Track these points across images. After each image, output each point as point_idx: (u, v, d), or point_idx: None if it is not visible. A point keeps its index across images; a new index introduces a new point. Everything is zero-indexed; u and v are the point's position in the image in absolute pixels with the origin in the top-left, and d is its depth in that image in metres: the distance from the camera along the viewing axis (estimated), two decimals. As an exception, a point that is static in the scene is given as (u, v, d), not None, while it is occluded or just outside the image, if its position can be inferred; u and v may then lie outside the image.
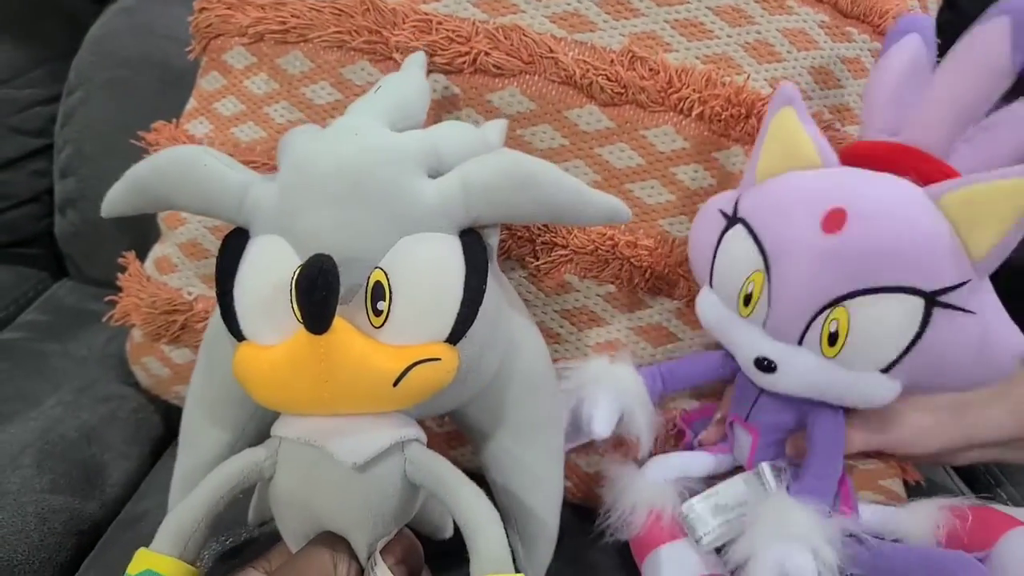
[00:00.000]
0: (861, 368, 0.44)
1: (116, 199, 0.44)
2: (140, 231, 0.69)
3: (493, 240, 0.45)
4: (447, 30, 0.55)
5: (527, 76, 0.55)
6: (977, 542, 0.47)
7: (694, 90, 0.55)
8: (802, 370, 0.46)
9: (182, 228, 0.61)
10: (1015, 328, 0.42)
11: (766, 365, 0.47)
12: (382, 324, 0.38)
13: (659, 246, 0.55)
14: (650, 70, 0.55)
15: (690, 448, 0.56)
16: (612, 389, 0.52)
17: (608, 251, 0.55)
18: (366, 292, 0.38)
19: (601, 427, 0.51)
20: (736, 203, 0.50)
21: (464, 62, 0.55)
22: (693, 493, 0.51)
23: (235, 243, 0.42)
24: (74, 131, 0.82)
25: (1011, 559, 0.45)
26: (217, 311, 0.43)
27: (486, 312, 0.41)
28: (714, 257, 0.50)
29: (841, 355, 0.44)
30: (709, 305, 0.51)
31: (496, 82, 0.55)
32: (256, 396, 0.40)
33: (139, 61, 0.79)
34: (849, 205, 0.43)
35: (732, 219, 0.49)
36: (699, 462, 0.54)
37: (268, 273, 0.40)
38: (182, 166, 0.42)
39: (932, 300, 0.41)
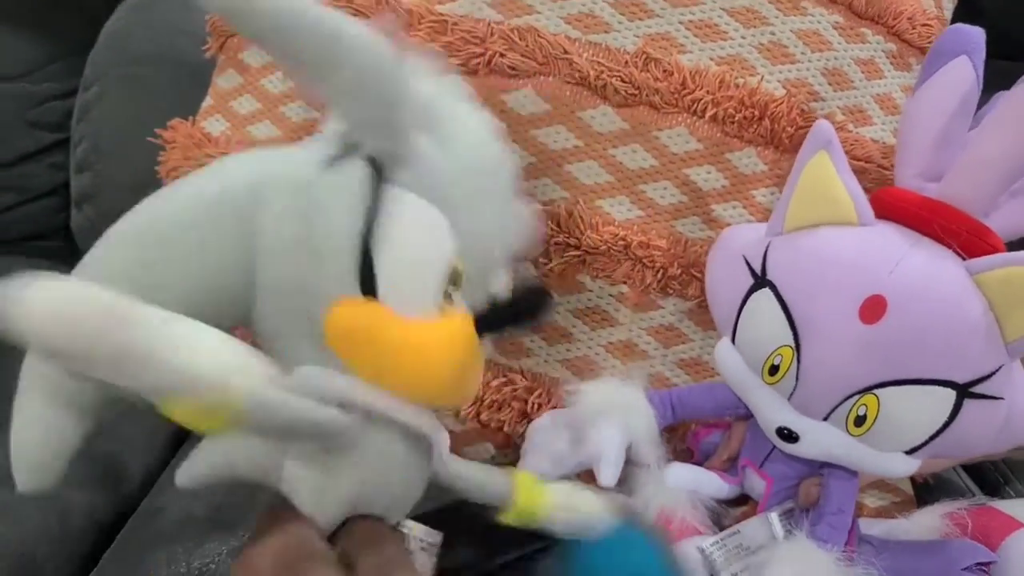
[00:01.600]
0: (886, 449, 0.44)
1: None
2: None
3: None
4: (462, 31, 0.55)
5: (542, 77, 0.55)
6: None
7: (707, 92, 0.55)
8: (825, 444, 0.46)
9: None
10: None
11: (787, 434, 0.47)
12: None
13: (672, 247, 0.56)
14: (664, 71, 0.55)
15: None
16: (620, 425, 0.51)
17: (621, 251, 0.56)
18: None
19: (608, 478, 0.50)
20: (764, 257, 0.48)
21: (479, 63, 0.55)
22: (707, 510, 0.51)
23: (376, 182, 0.36)
24: (90, 126, 0.82)
25: (1016, 562, 0.46)
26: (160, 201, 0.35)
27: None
28: (738, 314, 0.49)
29: (867, 436, 0.44)
30: (731, 362, 0.50)
31: (511, 83, 0.55)
32: (374, 364, 0.35)
33: (155, 57, 0.80)
34: (889, 294, 0.42)
35: (760, 279, 0.48)
36: (713, 484, 0.54)
37: (427, 241, 0.36)
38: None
39: (965, 392, 0.41)
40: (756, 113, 0.55)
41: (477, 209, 0.38)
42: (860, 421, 0.43)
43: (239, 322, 0.37)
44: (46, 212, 0.87)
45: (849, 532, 0.48)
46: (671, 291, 0.57)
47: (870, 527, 0.52)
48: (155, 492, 0.60)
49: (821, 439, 0.46)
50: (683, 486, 0.52)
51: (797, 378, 0.45)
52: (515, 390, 0.58)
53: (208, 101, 0.64)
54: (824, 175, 0.45)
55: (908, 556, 0.48)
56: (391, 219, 0.35)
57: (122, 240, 0.34)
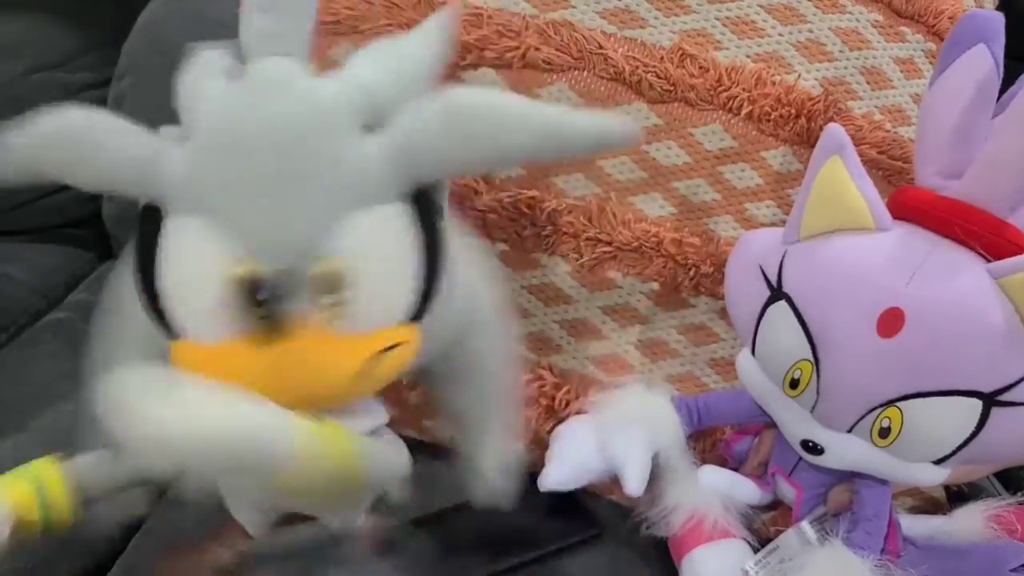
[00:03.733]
0: (913, 460, 0.43)
1: None
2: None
3: (443, 197, 0.40)
4: (497, 24, 0.55)
5: (576, 72, 0.55)
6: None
7: (744, 89, 0.54)
8: (850, 455, 0.45)
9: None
10: None
11: (812, 447, 0.46)
12: (334, 316, 0.34)
13: (704, 245, 0.55)
14: (700, 68, 0.54)
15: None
16: (647, 434, 0.51)
17: (653, 248, 0.55)
18: (314, 283, 0.34)
19: (635, 487, 0.50)
20: (780, 267, 0.47)
21: (514, 56, 0.55)
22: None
23: (150, 223, 0.35)
24: (123, 116, 0.82)
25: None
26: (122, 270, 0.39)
27: (445, 281, 0.37)
28: (756, 325, 0.48)
29: (893, 447, 0.43)
30: (752, 374, 0.49)
31: (545, 77, 0.55)
32: None
33: (189, 48, 0.80)
34: (907, 305, 0.41)
35: (776, 291, 0.47)
36: (746, 489, 0.53)
37: (194, 264, 0.35)
38: (74, 135, 0.35)
39: (991, 400, 0.40)
40: (792, 111, 0.54)
41: (242, 198, 0.34)
42: (885, 433, 0.43)
43: None
44: (77, 201, 0.88)
45: (888, 536, 0.47)
46: (703, 290, 0.57)
47: (912, 527, 0.51)
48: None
49: (846, 451, 0.45)
50: (716, 489, 0.52)
51: (818, 392, 0.44)
52: (543, 387, 0.57)
53: (241, 92, 0.64)
54: (838, 180, 0.44)
55: (953, 558, 0.48)
56: (164, 255, 0.35)
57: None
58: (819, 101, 0.54)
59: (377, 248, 0.36)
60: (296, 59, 0.37)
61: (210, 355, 0.34)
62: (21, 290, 0.79)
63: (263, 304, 0.32)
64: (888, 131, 0.57)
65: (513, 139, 0.35)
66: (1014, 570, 0.48)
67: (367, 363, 0.35)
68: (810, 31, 0.55)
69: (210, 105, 0.36)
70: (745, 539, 0.51)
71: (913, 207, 0.44)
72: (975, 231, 0.41)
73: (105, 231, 0.87)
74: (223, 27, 0.76)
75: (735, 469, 0.55)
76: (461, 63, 0.55)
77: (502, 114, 0.35)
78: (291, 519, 0.39)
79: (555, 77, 0.55)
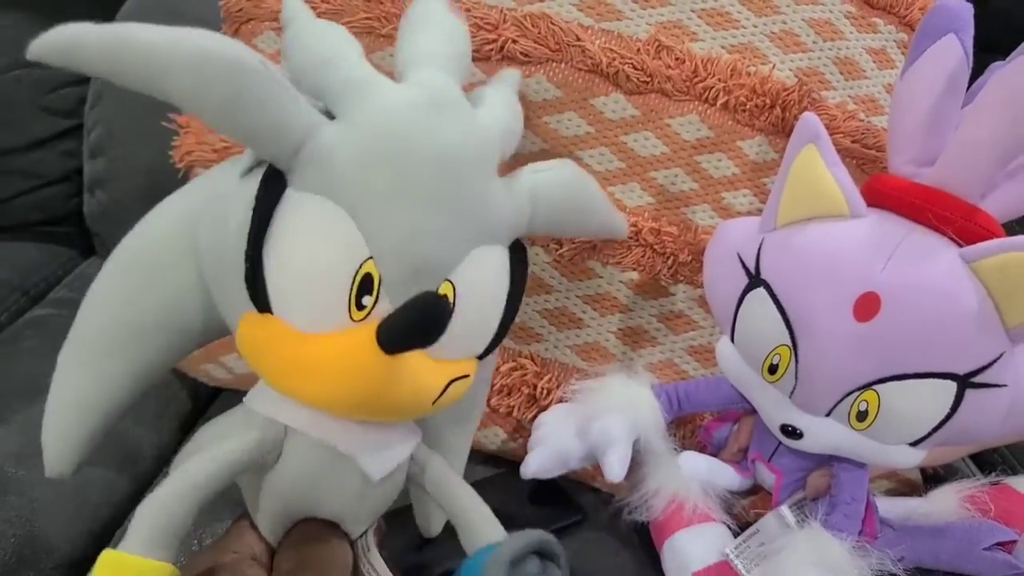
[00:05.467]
0: (889, 442, 0.44)
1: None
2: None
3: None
4: (475, 17, 0.55)
5: (554, 64, 0.55)
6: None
7: (719, 79, 0.55)
8: (829, 439, 0.46)
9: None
10: None
11: (791, 431, 0.47)
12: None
13: (682, 234, 0.56)
14: (676, 59, 0.55)
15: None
16: (628, 421, 0.52)
17: (632, 238, 0.56)
18: None
19: (615, 473, 0.50)
20: (758, 255, 0.47)
21: (492, 49, 0.55)
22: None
23: (271, 190, 0.33)
24: (104, 112, 0.82)
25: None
26: (146, 222, 0.37)
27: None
28: (735, 313, 0.49)
29: (870, 430, 0.44)
30: (732, 361, 0.50)
31: (523, 69, 0.55)
32: (276, 377, 0.35)
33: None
34: (882, 290, 0.41)
35: (754, 278, 0.47)
36: (726, 475, 0.54)
37: (320, 247, 0.33)
38: (257, 73, 0.31)
39: (965, 382, 0.41)
40: (767, 101, 0.55)
41: (394, 206, 0.34)
42: (862, 416, 0.43)
43: (224, 332, 0.38)
44: (58, 198, 0.88)
45: (866, 519, 0.48)
46: (681, 278, 0.57)
47: (889, 509, 0.52)
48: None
49: (825, 435, 0.46)
50: (696, 474, 0.53)
51: (796, 377, 0.45)
52: (524, 375, 0.58)
53: (222, 86, 0.64)
54: (813, 169, 0.45)
55: (928, 539, 0.49)
56: (283, 228, 0.33)
57: (109, 274, 0.37)
58: (794, 91, 0.55)
59: (486, 284, 0.37)
60: (456, 80, 0.39)
61: (305, 341, 0.33)
62: (2, 287, 0.79)
63: (418, 336, 0.32)
64: (862, 120, 0.58)
65: (596, 220, 0.45)
66: (987, 548, 0.49)
67: (447, 386, 0.36)
68: (784, 22, 0.56)
69: (380, 99, 0.35)
70: (725, 523, 0.52)
71: (887, 194, 0.45)
72: (947, 216, 0.42)
73: (87, 228, 0.87)
74: (201, 23, 0.76)
75: (714, 455, 0.56)
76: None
77: (599, 198, 0.44)
78: (309, 523, 0.39)
79: (533, 69, 0.56)
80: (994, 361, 0.40)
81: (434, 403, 0.36)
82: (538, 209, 0.40)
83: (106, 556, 0.32)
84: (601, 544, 0.55)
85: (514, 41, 0.55)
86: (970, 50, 0.44)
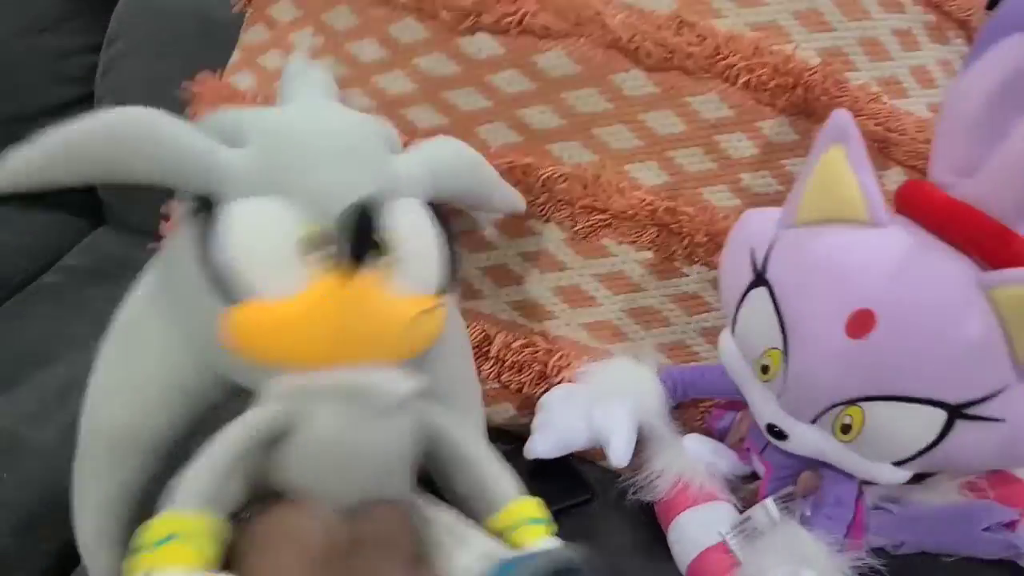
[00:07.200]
0: (873, 458, 0.43)
1: (25, 168, 0.37)
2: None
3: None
4: (495, -11, 0.54)
5: (574, 39, 0.55)
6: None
7: (741, 58, 0.54)
8: (812, 445, 0.45)
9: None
10: None
11: (777, 432, 0.47)
12: (388, 275, 0.38)
13: (699, 214, 0.55)
14: (698, 36, 0.54)
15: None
16: (630, 404, 0.52)
17: (647, 217, 0.55)
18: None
19: (619, 459, 0.51)
20: (768, 252, 0.46)
21: (511, 22, 0.54)
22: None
23: (204, 211, 0.38)
24: (115, 81, 0.82)
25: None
26: (131, 298, 0.42)
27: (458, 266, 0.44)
28: (738, 307, 0.48)
29: (854, 443, 0.43)
30: (729, 353, 0.50)
31: (542, 44, 0.55)
32: (268, 351, 0.38)
33: (180, 12, 0.79)
34: (879, 307, 0.40)
35: (759, 276, 0.46)
36: (728, 461, 0.54)
37: (272, 230, 0.38)
38: (143, 128, 0.37)
39: (957, 412, 0.39)
40: (790, 81, 0.54)
41: (313, 170, 0.39)
42: (846, 429, 0.43)
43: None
44: (69, 166, 0.87)
45: (853, 524, 0.47)
46: (696, 259, 0.57)
47: (888, 495, 0.52)
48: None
49: (808, 440, 0.45)
50: (701, 457, 0.53)
51: (785, 381, 0.45)
52: (536, 352, 0.58)
53: (236, 56, 0.64)
54: (837, 171, 0.43)
55: (928, 523, 0.48)
56: (222, 233, 0.37)
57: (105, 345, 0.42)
58: (816, 71, 0.54)
59: (418, 227, 0.42)
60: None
61: (279, 307, 0.37)
62: (13, 254, 0.78)
63: (363, 231, 0.36)
64: (885, 103, 0.57)
65: (486, 181, 0.50)
66: (986, 528, 0.49)
67: (417, 317, 0.39)
68: (809, 0, 0.55)
69: (265, 118, 0.41)
70: (731, 502, 0.52)
71: (915, 204, 0.43)
72: (975, 237, 0.40)
73: (97, 196, 0.86)
74: (196, 18, 0.75)
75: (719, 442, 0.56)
76: (458, 28, 0.55)
77: (492, 170, 0.50)
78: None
79: (552, 43, 0.55)
80: (994, 394, 0.39)
81: (412, 327, 0.39)
82: (438, 173, 0.44)
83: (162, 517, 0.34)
84: (609, 522, 0.55)
85: (533, 14, 0.54)
86: None
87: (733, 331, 0.49)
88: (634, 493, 0.52)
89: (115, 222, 0.87)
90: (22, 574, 0.49)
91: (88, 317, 0.69)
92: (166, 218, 0.64)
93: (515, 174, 0.56)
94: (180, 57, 0.75)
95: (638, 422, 0.52)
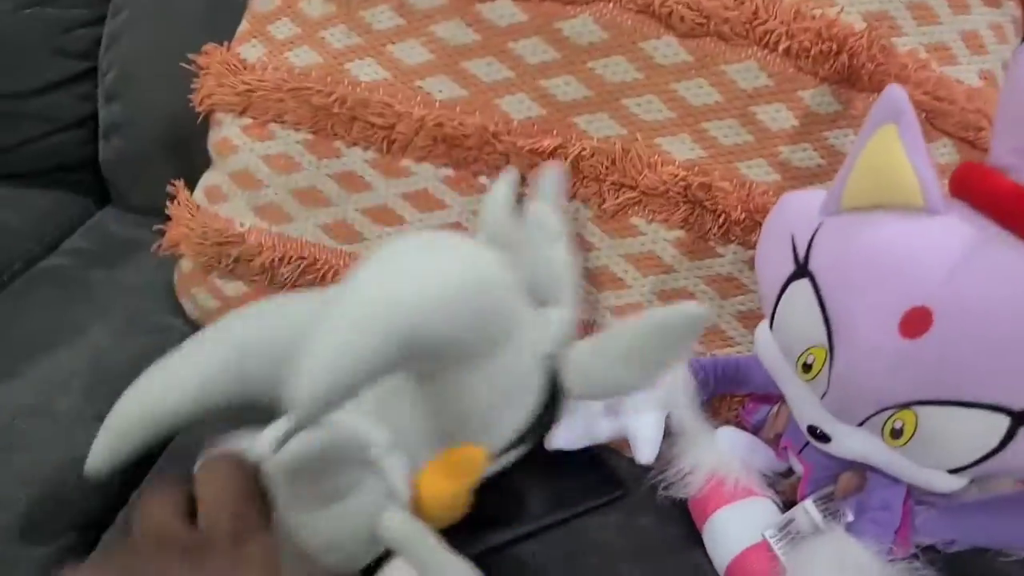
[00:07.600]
0: (926, 465, 0.40)
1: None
2: (187, 159, 0.68)
3: None
4: (518, -50, 0.51)
5: (601, 3, 0.52)
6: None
7: (782, 22, 0.51)
8: (858, 449, 0.42)
9: (233, 156, 0.59)
10: None
11: (819, 435, 0.44)
12: None
13: (735, 190, 0.52)
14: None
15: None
16: (658, 398, 0.50)
17: (680, 193, 0.52)
18: None
19: (645, 456, 0.50)
20: (811, 240, 0.43)
21: (535, -15, 0.51)
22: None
23: None
24: (119, 54, 0.79)
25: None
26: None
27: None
28: (778, 298, 0.45)
29: (905, 449, 0.40)
30: (768, 348, 0.47)
31: (568, 10, 0.52)
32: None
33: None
34: (937, 305, 0.36)
35: (801, 267, 0.43)
36: (763, 454, 0.52)
37: None
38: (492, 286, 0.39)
39: (1021, 419, 0.36)
40: (833, 47, 0.51)
41: None
42: (897, 434, 0.40)
43: None
44: (73, 144, 0.85)
45: (901, 530, 0.44)
46: (732, 238, 0.54)
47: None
48: (186, 428, 0.59)
49: (854, 444, 0.42)
50: (735, 451, 0.51)
51: (829, 382, 0.42)
52: (561, 337, 0.55)
53: (244, 25, 0.61)
54: (890, 153, 0.39)
55: (979, 516, 0.45)
56: None
57: None
58: (862, 37, 0.50)
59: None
60: None
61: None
62: (16, 236, 0.76)
63: None
64: (934, 70, 0.53)
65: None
66: None
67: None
68: (855, -40, 0.52)
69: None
70: (771, 498, 0.50)
71: (975, 190, 0.39)
72: None
73: (101, 175, 0.84)
74: (192, 14, 0.72)
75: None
76: (480, -7, 0.52)
77: None
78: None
79: (578, 9, 0.52)
80: None
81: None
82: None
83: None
84: (642, 519, 0.52)
85: (559, -23, 0.51)
86: None
87: (771, 325, 0.46)
88: (665, 489, 0.50)
89: (120, 202, 0.84)
90: (21, 571, 0.47)
91: (93, 301, 0.67)
92: (172, 198, 0.62)
93: (540, 154, 0.53)
94: (186, 28, 0.72)
95: (665, 413, 0.50)
